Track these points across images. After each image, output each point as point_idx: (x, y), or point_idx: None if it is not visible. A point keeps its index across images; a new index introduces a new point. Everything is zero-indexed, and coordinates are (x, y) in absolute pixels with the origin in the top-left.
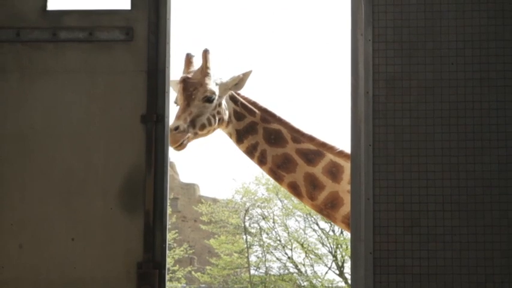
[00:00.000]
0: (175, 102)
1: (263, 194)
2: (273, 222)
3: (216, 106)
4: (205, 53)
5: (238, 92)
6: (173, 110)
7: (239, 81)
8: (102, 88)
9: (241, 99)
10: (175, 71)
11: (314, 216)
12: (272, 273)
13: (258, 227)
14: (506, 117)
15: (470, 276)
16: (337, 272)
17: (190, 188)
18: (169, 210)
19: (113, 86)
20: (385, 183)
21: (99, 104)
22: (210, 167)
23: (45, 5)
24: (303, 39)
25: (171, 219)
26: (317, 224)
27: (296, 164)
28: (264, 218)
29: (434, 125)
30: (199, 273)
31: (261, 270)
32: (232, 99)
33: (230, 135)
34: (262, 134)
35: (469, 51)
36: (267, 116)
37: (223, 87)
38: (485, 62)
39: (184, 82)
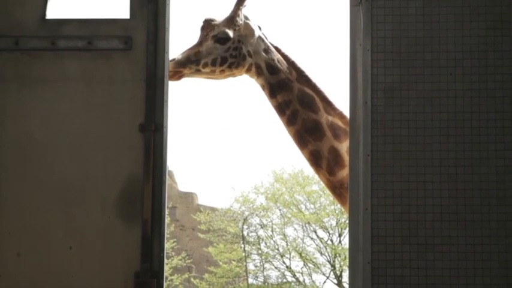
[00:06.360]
0: None
1: (262, 203)
2: (272, 231)
3: (230, 49)
4: (240, 1)
5: (280, 48)
6: (172, 119)
7: (248, 26)
8: (101, 97)
9: (280, 56)
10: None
11: (312, 225)
12: (270, 282)
13: (257, 236)
14: (504, 128)
15: (468, 286)
16: (335, 281)
17: (188, 197)
18: (167, 219)
19: (112, 95)
20: (383, 193)
21: (97, 112)
22: (208, 175)
23: (44, 14)
24: (302, 48)
25: (169, 229)
26: (315, 233)
27: (324, 134)
28: (262, 227)
29: (432, 135)
30: (198, 280)
31: (259, 279)
32: (265, 51)
33: (263, 87)
34: (296, 94)
35: (468, 62)
36: (303, 79)
37: (241, 34)
38: (483, 73)
39: (206, 22)
